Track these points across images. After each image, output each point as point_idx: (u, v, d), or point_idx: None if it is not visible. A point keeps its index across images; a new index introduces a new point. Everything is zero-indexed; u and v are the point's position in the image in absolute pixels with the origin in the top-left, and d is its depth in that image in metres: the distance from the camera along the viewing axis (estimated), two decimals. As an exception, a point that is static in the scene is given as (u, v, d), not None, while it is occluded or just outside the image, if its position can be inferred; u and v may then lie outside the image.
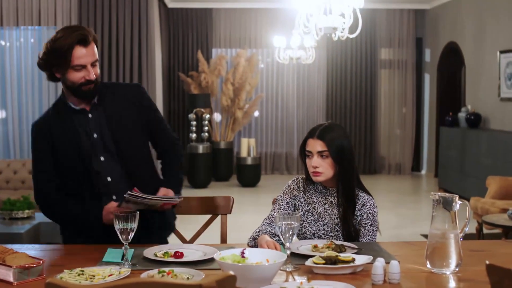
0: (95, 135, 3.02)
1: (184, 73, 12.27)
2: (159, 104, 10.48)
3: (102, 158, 3.02)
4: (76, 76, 2.91)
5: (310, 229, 3.07)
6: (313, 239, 3.05)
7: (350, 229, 3.02)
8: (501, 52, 9.54)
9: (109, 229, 2.78)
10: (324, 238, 3.04)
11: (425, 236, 2.88)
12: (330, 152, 3.00)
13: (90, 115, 3.03)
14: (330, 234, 3.05)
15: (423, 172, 13.28)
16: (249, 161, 11.45)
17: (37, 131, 3.05)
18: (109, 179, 3.03)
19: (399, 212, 9.03)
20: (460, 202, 2.48)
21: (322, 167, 3.02)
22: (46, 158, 3.03)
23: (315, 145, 3.03)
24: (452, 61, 11.82)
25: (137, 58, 9.57)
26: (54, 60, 2.90)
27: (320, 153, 3.02)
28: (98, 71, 2.97)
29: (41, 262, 2.43)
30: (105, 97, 3.07)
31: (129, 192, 2.79)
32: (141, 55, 9.59)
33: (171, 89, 12.49)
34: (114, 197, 3.02)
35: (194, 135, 11.34)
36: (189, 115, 11.45)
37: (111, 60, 9.56)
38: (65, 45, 2.85)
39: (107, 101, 3.06)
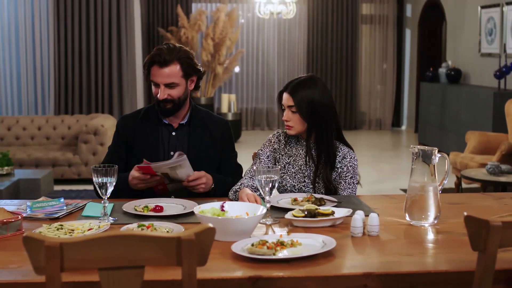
0: (172, 153, 3.12)
1: (164, 28, 12.12)
2: (139, 60, 10.37)
3: None
4: (154, 91, 3.09)
5: (290, 181, 3.07)
6: (293, 191, 3.06)
7: (327, 185, 3.03)
8: (482, 7, 9.52)
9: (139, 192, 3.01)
10: (304, 191, 3.05)
11: (405, 190, 2.90)
12: (298, 109, 2.99)
13: (174, 133, 3.17)
14: (311, 186, 3.05)
15: (403, 127, 13.34)
16: (229, 117, 11.41)
17: (121, 129, 3.22)
18: (172, 196, 3.09)
19: (379, 167, 9.09)
20: (439, 155, 2.49)
21: (293, 122, 3.02)
22: (115, 157, 3.18)
23: (287, 100, 3.03)
24: (433, 16, 11.79)
25: (116, 13, 9.43)
26: (145, 72, 3.11)
27: (290, 108, 3.01)
28: (177, 94, 3.06)
29: (19, 217, 2.41)
30: (193, 122, 3.20)
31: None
32: (120, 10, 9.45)
33: (150, 44, 12.34)
34: (172, 197, 3.09)
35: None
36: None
37: (89, 15, 9.41)
38: (146, 60, 3.07)
39: (194, 127, 3.19)
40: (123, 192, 3.00)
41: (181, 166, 2.87)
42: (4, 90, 10.21)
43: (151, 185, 2.98)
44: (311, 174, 3.06)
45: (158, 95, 3.06)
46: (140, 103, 10.48)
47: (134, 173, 2.94)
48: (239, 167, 3.32)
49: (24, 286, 1.89)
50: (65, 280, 1.72)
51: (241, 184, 2.98)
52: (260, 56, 12.96)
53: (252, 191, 2.84)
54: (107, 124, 8.08)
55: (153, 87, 3.09)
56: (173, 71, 3.03)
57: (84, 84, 9.49)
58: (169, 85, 3.04)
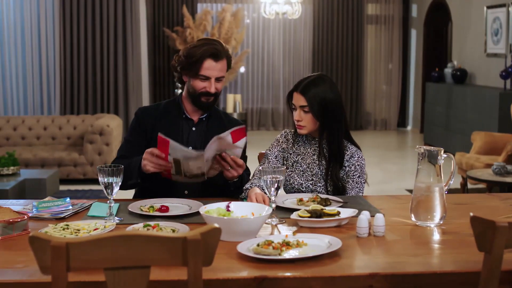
0: (190, 148, 3.08)
1: (169, 28, 12.13)
2: (144, 60, 10.37)
3: None
4: (199, 85, 3.08)
5: (298, 179, 3.07)
6: (301, 189, 3.06)
7: (336, 183, 3.03)
8: (488, 7, 9.50)
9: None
10: (312, 189, 3.04)
11: (410, 191, 2.90)
12: (310, 108, 2.99)
13: (194, 128, 3.20)
14: (319, 184, 3.05)
15: (409, 128, 13.33)
16: (235, 117, 11.37)
17: (141, 118, 3.20)
18: (186, 192, 3.11)
19: (385, 168, 9.08)
20: (445, 155, 2.48)
21: (305, 121, 3.02)
22: (136, 146, 3.14)
23: (298, 100, 3.02)
24: (439, 17, 11.77)
25: (121, 13, 9.44)
26: (187, 65, 3.09)
27: (302, 108, 3.01)
28: (221, 87, 3.14)
29: (25, 217, 2.41)
30: (212, 118, 3.24)
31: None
32: (125, 10, 9.46)
33: (156, 44, 12.36)
34: (186, 192, 3.11)
35: (179, 91, 11.23)
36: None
37: (95, 15, 9.42)
38: (199, 54, 3.04)
39: (212, 124, 3.22)
40: (133, 175, 2.94)
41: (195, 159, 2.80)
42: (10, 90, 10.23)
43: (159, 169, 2.89)
44: (320, 173, 3.05)
45: (206, 89, 3.08)
46: (146, 103, 10.49)
47: (148, 150, 2.87)
48: (248, 170, 3.32)
49: (30, 286, 1.89)
50: (71, 280, 1.72)
51: (251, 184, 2.99)
52: (265, 56, 12.96)
53: (261, 190, 2.84)
54: (113, 124, 8.10)
55: (197, 82, 3.08)
56: (224, 65, 3.11)
57: (89, 84, 9.51)
58: (219, 79, 3.11)
